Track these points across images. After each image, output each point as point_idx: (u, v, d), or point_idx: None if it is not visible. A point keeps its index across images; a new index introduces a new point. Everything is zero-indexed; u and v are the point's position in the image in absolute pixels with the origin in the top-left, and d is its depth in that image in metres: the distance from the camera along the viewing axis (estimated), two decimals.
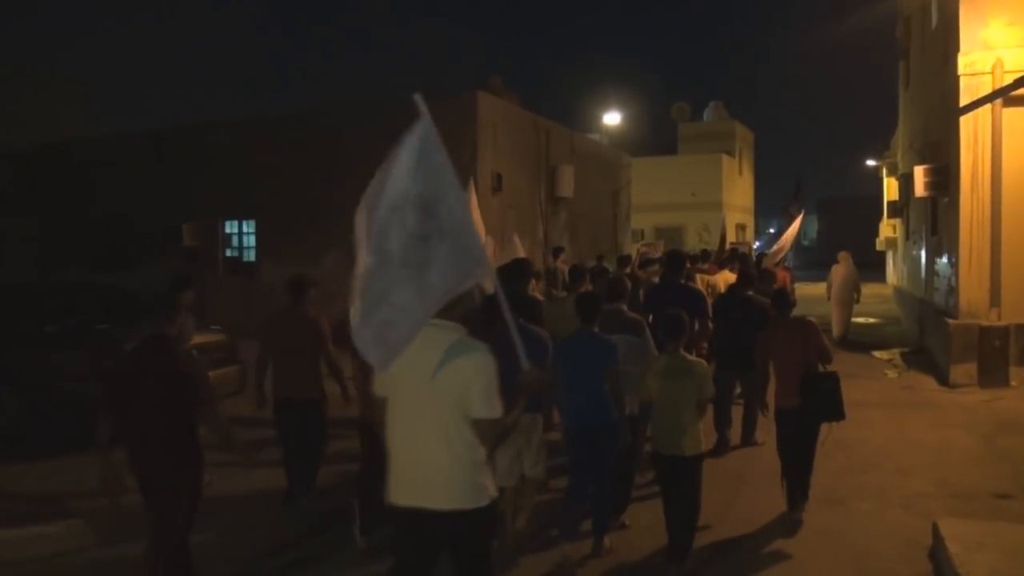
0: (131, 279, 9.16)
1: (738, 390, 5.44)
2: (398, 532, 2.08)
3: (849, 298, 10.02)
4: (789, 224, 10.23)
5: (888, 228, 16.46)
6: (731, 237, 15.10)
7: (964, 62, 6.87)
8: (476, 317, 2.09)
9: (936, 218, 8.63)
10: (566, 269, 8.67)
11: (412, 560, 2.05)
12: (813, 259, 30.62)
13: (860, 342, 9.68)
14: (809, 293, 13.63)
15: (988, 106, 6.56)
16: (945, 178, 7.48)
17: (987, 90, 6.59)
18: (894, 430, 5.48)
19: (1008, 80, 6.43)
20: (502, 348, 1.99)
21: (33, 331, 5.49)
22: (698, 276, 6.71)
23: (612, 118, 21.48)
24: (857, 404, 5.74)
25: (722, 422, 5.01)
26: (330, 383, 4.02)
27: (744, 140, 26.21)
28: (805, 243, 41.45)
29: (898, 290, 14.46)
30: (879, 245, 18.00)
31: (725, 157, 23.45)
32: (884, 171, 17.16)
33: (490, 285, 2.13)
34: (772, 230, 47.15)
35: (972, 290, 6.83)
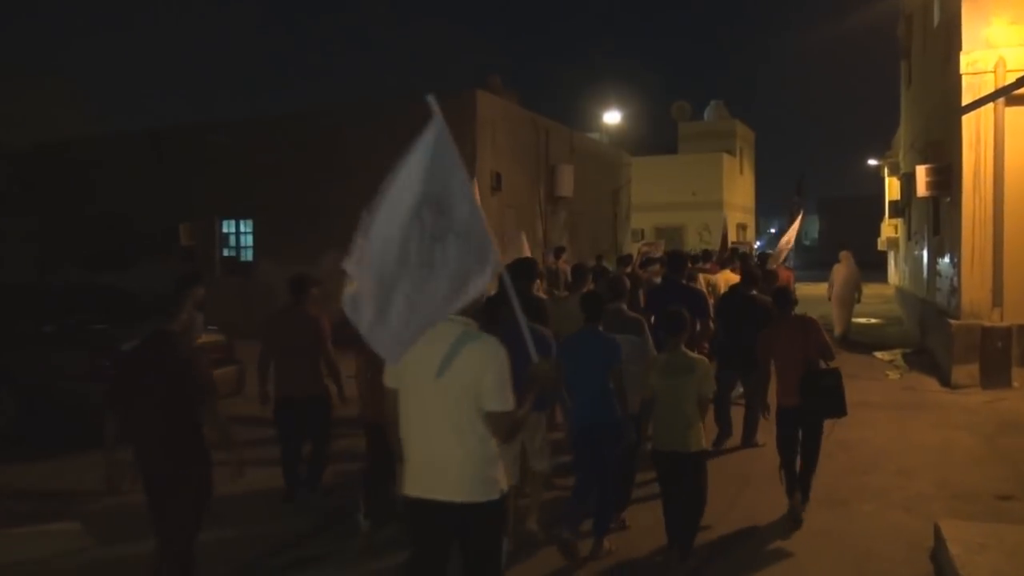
0: (129, 279, 9.14)
1: (739, 391, 5.43)
2: (411, 524, 2.09)
3: (850, 298, 10.01)
4: (791, 223, 10.22)
5: (890, 228, 16.42)
6: (732, 237, 15.07)
7: (966, 61, 6.84)
8: (479, 316, 2.10)
9: (938, 218, 8.60)
10: (567, 269, 8.71)
11: (426, 552, 2.07)
12: (814, 259, 30.61)
13: (861, 342, 9.66)
14: (810, 293, 13.60)
15: (990, 105, 6.53)
16: (947, 178, 7.46)
17: (989, 89, 6.57)
18: (896, 431, 5.46)
19: (1010, 79, 6.41)
20: (509, 344, 2.01)
21: (31, 331, 5.48)
22: (701, 276, 6.69)
23: (612, 117, 21.50)
24: (859, 405, 5.72)
25: (723, 419, 5.03)
26: (329, 383, 4.02)
27: (745, 139, 26.17)
28: (806, 243, 41.43)
29: (900, 290, 14.44)
30: (881, 245, 17.96)
31: (726, 156, 23.41)
32: (886, 170, 17.14)
33: (492, 287, 2.15)
34: (773, 230, 47.15)
35: (974, 290, 6.81)
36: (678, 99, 26.51)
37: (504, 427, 1.98)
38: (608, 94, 36.80)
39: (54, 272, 11.21)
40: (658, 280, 6.17)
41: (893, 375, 7.70)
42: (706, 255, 9.13)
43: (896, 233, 15.65)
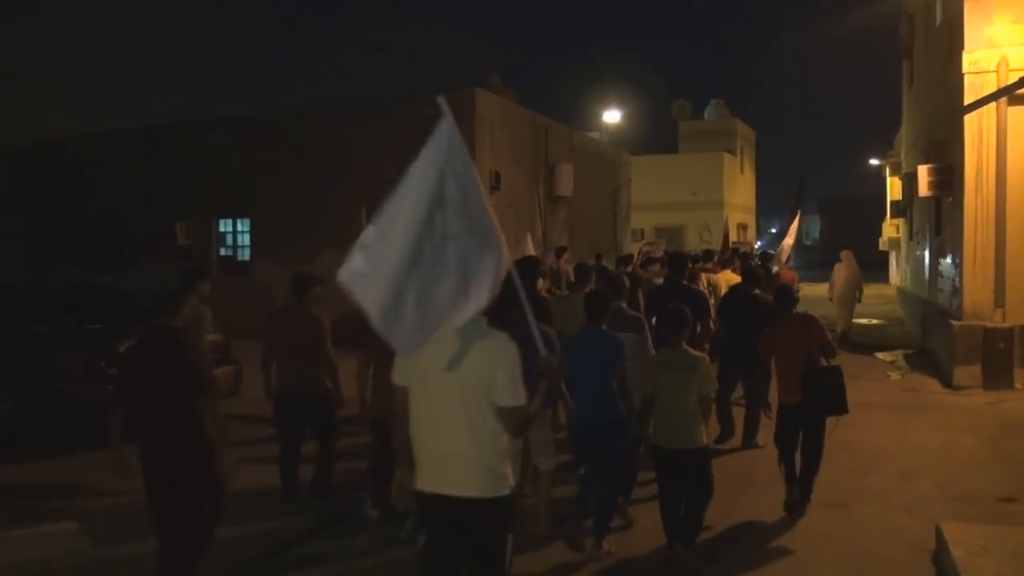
0: (125, 278, 9.13)
1: (739, 392, 5.41)
2: (425, 520, 2.12)
3: (851, 297, 10.00)
4: (791, 223, 10.20)
5: (891, 228, 16.38)
6: (733, 237, 15.05)
7: (968, 60, 6.81)
8: (487, 313, 2.11)
9: (940, 218, 8.58)
10: (569, 268, 8.70)
11: (440, 547, 2.09)
12: (816, 259, 30.54)
13: (863, 343, 9.64)
14: (812, 293, 13.58)
15: (993, 105, 6.52)
16: (949, 177, 7.43)
17: (992, 88, 6.55)
18: (897, 432, 5.44)
19: (1013, 78, 6.39)
20: (517, 341, 2.04)
21: (26, 331, 5.45)
22: (703, 276, 6.67)
23: (612, 116, 21.44)
24: (860, 406, 5.70)
25: (725, 418, 5.04)
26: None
27: (745, 139, 26.14)
28: (807, 243, 41.37)
29: (901, 291, 14.41)
30: (882, 245, 17.93)
31: (726, 156, 23.38)
32: (887, 170, 17.10)
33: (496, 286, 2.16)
34: (774, 229, 47.08)
35: (976, 291, 6.78)
36: (678, 98, 26.55)
37: (516, 421, 2.01)
38: (608, 93, 36.79)
39: (48, 272, 11.12)
40: (659, 281, 6.16)
41: (894, 376, 7.68)
42: (707, 255, 9.11)
43: (898, 233, 15.62)
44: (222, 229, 11.13)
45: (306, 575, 3.25)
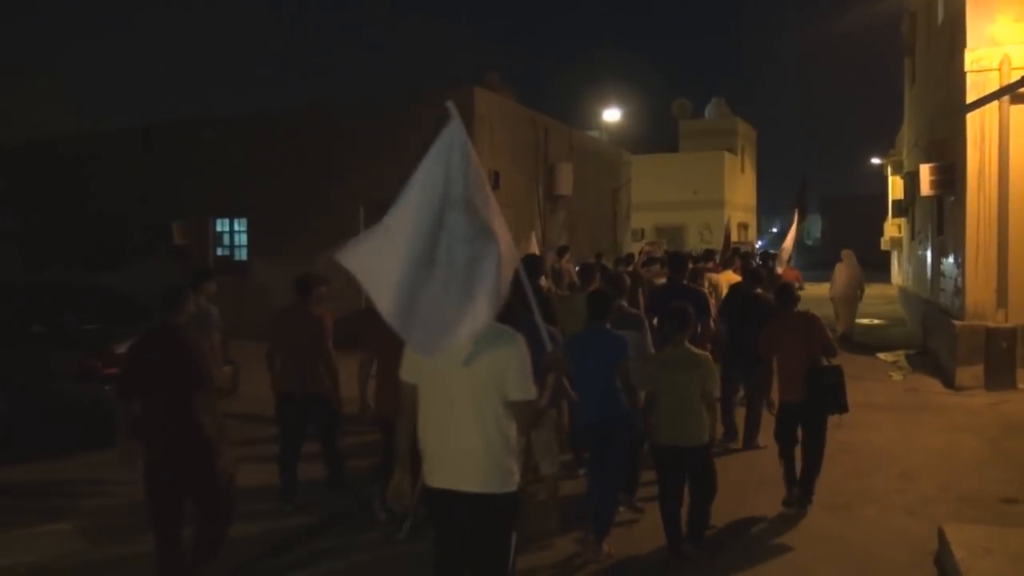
0: (120, 278, 9.08)
1: (740, 393, 5.38)
2: (434, 515, 2.16)
3: (853, 297, 9.97)
4: (794, 223, 10.18)
5: (893, 227, 16.33)
6: (734, 237, 15.02)
7: (971, 58, 6.78)
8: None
9: (942, 217, 8.54)
10: (570, 268, 8.69)
11: (450, 542, 2.12)
12: (817, 259, 30.50)
13: (864, 343, 9.60)
14: (813, 293, 13.52)
15: (995, 103, 6.49)
16: (951, 176, 7.40)
17: (994, 87, 6.52)
18: (899, 433, 5.41)
19: (1015, 77, 6.36)
20: (524, 337, 2.08)
21: (21, 331, 5.42)
22: (707, 276, 6.66)
23: (612, 115, 21.32)
24: (862, 406, 5.68)
25: (728, 419, 5.05)
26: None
27: (746, 137, 26.09)
28: (809, 243, 41.28)
29: (903, 291, 14.37)
30: (884, 245, 17.87)
31: (727, 155, 23.34)
32: (889, 169, 17.03)
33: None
34: (775, 229, 47.01)
35: (979, 291, 6.74)
36: (679, 96, 26.51)
37: (527, 416, 2.06)
38: (608, 91, 36.84)
39: (42, 271, 11.06)
40: (661, 281, 6.14)
41: (896, 376, 7.64)
42: (708, 254, 9.09)
43: (899, 233, 15.57)
44: (219, 229, 11.06)
45: (306, 575, 3.25)
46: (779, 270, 8.10)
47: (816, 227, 43.56)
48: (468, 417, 2.02)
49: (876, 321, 12.29)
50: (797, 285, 7.34)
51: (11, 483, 4.37)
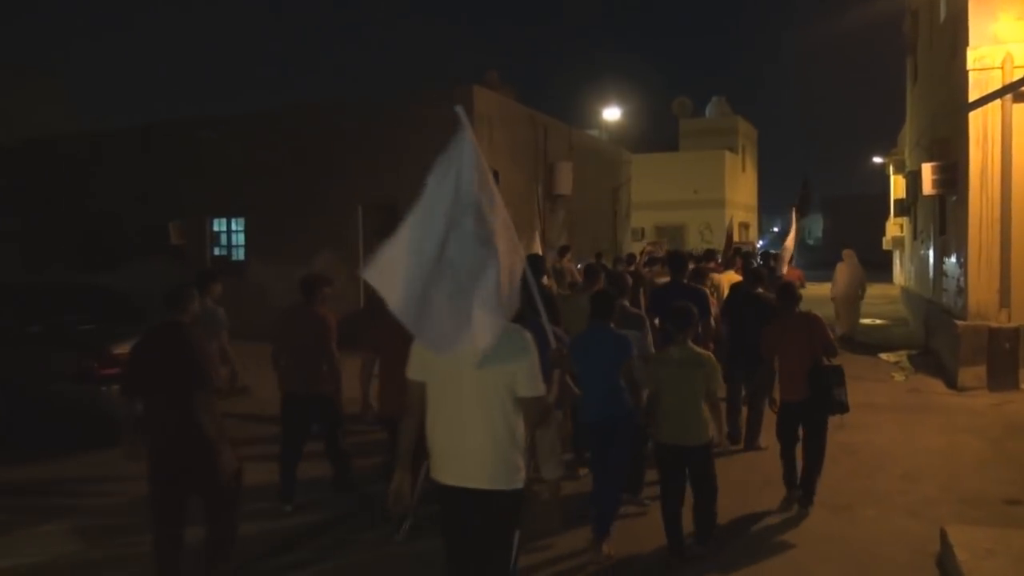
0: (118, 278, 9.05)
1: (743, 393, 5.37)
2: (443, 511, 2.18)
3: (855, 297, 9.93)
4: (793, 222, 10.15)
5: (895, 227, 16.29)
6: (735, 237, 14.98)
7: (973, 57, 6.75)
8: None
9: (944, 217, 8.51)
10: (572, 268, 8.68)
11: (459, 538, 2.14)
12: (818, 259, 30.45)
13: (867, 343, 9.57)
14: (814, 293, 13.48)
15: (998, 102, 6.47)
16: (953, 175, 7.37)
17: (996, 85, 6.49)
18: (901, 434, 5.39)
19: (1018, 75, 6.35)
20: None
21: (18, 331, 5.41)
22: (711, 276, 6.64)
23: (612, 114, 21.23)
24: (863, 407, 5.67)
25: (732, 421, 5.04)
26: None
27: (747, 136, 26.04)
28: (810, 242, 41.19)
29: (905, 290, 14.33)
30: (886, 244, 17.83)
31: (728, 154, 23.29)
32: (891, 168, 16.98)
33: None
34: (776, 228, 46.94)
35: (981, 291, 6.72)
36: (679, 95, 26.50)
37: (536, 412, 2.10)
38: (608, 90, 36.74)
39: (43, 271, 11.04)
40: (662, 280, 6.13)
41: (898, 377, 7.61)
42: (709, 254, 9.08)
43: (901, 232, 15.54)
44: (216, 228, 11.01)
45: (306, 574, 3.24)
46: (784, 270, 8.05)
47: (817, 227, 43.47)
48: (478, 415, 2.04)
49: (878, 321, 12.26)
50: (798, 283, 7.32)
51: (11, 483, 4.37)
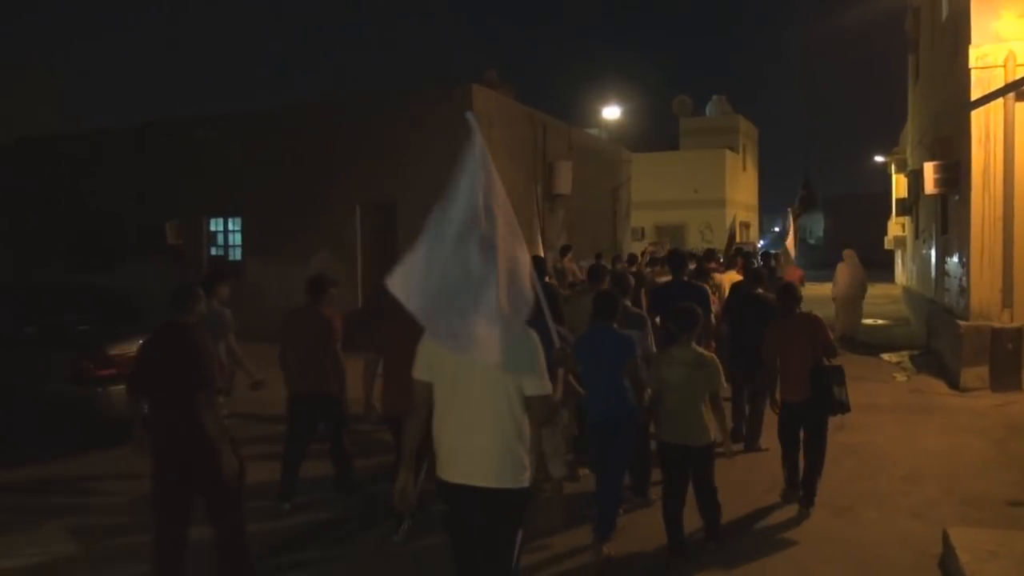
0: (114, 278, 9.04)
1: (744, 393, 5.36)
2: (448, 509, 2.19)
3: (857, 297, 9.91)
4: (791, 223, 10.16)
5: (897, 226, 16.25)
6: (737, 237, 14.97)
7: (975, 55, 6.72)
8: None
9: (946, 216, 8.48)
10: (574, 268, 8.67)
11: (465, 536, 2.15)
12: (819, 259, 30.39)
13: (868, 344, 9.55)
14: (815, 293, 13.46)
15: (1000, 100, 6.44)
16: (956, 175, 7.34)
17: (999, 84, 6.47)
18: (903, 435, 5.37)
19: (1021, 73, 6.34)
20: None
21: (14, 332, 5.39)
22: (713, 275, 6.62)
23: (612, 112, 21.13)
24: (865, 408, 5.65)
25: (735, 421, 5.04)
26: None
27: (748, 135, 26.00)
28: (811, 242, 41.09)
29: (907, 290, 14.30)
30: (887, 244, 17.78)
31: (728, 153, 23.25)
32: (893, 168, 16.92)
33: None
34: (776, 228, 46.85)
35: (984, 290, 6.69)
36: (679, 94, 26.40)
37: (542, 410, 2.13)
38: (608, 89, 36.57)
39: (35, 272, 11.00)
40: (663, 279, 6.12)
41: (900, 377, 7.59)
42: (709, 254, 9.06)
43: (903, 232, 15.50)
44: (213, 228, 10.95)
45: (306, 574, 3.23)
46: (786, 270, 8.04)
47: (819, 226, 43.39)
48: (486, 413, 2.06)
49: (880, 321, 12.23)
50: (799, 283, 7.31)
51: (11, 483, 4.37)
